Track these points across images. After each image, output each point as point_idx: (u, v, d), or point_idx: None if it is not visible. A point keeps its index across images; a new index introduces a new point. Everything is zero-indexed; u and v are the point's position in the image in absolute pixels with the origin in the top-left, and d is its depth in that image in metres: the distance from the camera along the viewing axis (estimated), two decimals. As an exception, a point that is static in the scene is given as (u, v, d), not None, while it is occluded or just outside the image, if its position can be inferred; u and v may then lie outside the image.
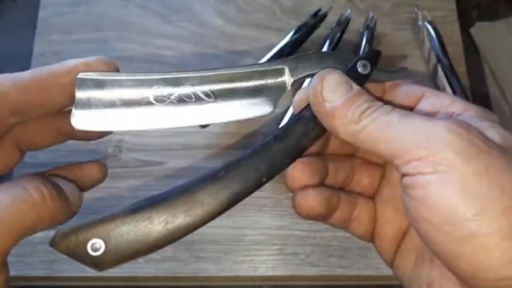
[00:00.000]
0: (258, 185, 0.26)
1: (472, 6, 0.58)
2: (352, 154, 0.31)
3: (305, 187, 0.28)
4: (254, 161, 0.26)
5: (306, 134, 0.26)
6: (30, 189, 0.23)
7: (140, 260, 0.45)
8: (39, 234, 0.47)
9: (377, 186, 0.30)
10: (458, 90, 0.47)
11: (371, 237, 0.30)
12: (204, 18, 0.55)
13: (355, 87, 0.25)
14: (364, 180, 0.30)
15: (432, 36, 0.50)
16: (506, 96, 0.52)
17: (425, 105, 0.26)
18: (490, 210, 0.21)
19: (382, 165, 0.30)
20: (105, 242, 0.25)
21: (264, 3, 0.56)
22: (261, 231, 0.46)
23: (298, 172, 0.28)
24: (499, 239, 0.20)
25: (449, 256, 0.22)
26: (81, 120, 0.25)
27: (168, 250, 0.45)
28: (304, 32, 0.51)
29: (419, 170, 0.22)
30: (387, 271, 0.45)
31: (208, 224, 0.47)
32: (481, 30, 0.56)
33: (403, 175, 0.23)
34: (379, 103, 0.25)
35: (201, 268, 0.45)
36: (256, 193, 0.47)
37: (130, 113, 0.26)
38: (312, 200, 0.28)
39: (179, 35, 0.54)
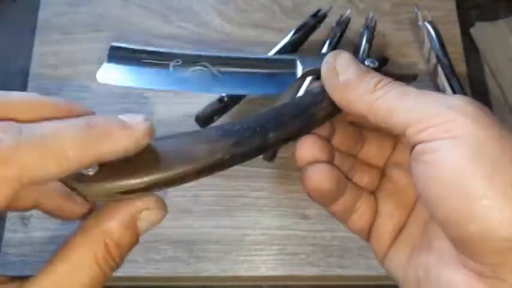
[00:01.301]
0: (264, 139, 0.26)
1: (472, 6, 0.58)
2: (354, 155, 0.31)
3: (315, 161, 0.28)
4: (261, 118, 0.26)
5: (313, 104, 0.27)
6: None
7: (140, 259, 0.45)
8: (39, 234, 0.48)
9: (377, 184, 0.30)
10: (458, 90, 0.47)
11: (368, 232, 0.30)
12: (204, 18, 0.55)
13: (365, 67, 0.26)
14: (364, 178, 0.31)
15: (432, 36, 0.50)
16: (506, 96, 0.52)
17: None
18: (501, 173, 0.21)
19: (382, 168, 0.31)
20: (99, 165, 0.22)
21: (264, 3, 0.56)
22: (261, 231, 0.46)
23: (309, 144, 0.28)
24: (509, 200, 0.21)
25: (460, 217, 0.22)
26: (106, 74, 0.29)
27: (168, 250, 0.45)
28: (304, 32, 0.51)
29: (435, 135, 0.22)
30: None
31: (209, 224, 0.48)
32: (481, 30, 0.56)
33: (417, 143, 0.23)
34: (390, 79, 0.25)
35: (201, 268, 0.45)
36: (256, 193, 0.48)
37: (151, 73, 0.29)
38: (322, 174, 0.28)
39: (179, 35, 0.54)
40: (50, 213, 0.27)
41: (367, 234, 0.30)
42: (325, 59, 0.27)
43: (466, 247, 0.22)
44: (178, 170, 0.24)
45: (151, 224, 0.25)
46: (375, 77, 0.25)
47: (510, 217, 0.21)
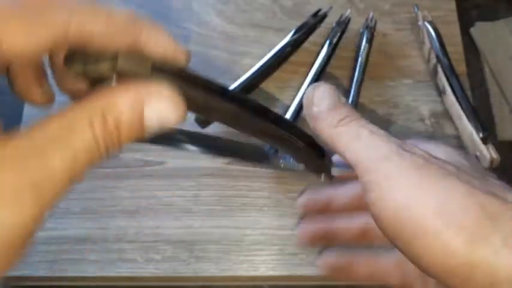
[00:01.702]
0: None
1: (472, 6, 0.58)
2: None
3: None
4: None
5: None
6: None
7: (140, 259, 0.45)
8: (39, 234, 0.48)
9: None
10: (458, 90, 0.47)
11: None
12: (204, 18, 0.55)
13: (343, 99, 0.29)
14: None
15: (432, 36, 0.50)
16: (506, 96, 0.52)
17: None
18: (426, 211, 0.24)
19: None
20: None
21: (264, 3, 0.56)
22: (261, 231, 0.46)
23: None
24: (437, 236, 0.23)
25: (408, 255, 0.25)
26: None
27: (168, 250, 0.45)
28: (304, 32, 0.51)
29: (368, 179, 0.25)
30: (387, 271, 0.45)
31: (209, 224, 0.48)
32: (481, 30, 0.56)
33: (362, 182, 0.26)
34: (358, 115, 0.28)
35: (201, 268, 0.45)
36: (256, 193, 0.48)
37: None
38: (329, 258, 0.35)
39: (179, 35, 0.54)
40: (16, 89, 0.27)
41: None
42: (307, 90, 0.30)
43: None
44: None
45: (159, 118, 0.22)
46: (342, 113, 0.28)
47: (442, 251, 0.23)
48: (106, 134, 0.21)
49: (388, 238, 0.25)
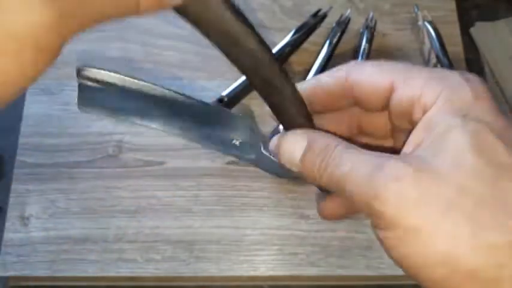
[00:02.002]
0: None
1: (472, 6, 0.58)
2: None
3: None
4: None
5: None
6: None
7: (140, 259, 0.45)
8: (39, 234, 0.48)
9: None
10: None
11: None
12: (204, 18, 0.55)
13: (305, 141, 0.25)
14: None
15: (432, 36, 0.50)
16: (506, 96, 0.52)
17: (398, 103, 0.25)
18: (433, 260, 0.21)
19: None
20: None
21: (264, 3, 0.56)
22: (261, 231, 0.46)
23: (329, 206, 0.29)
24: (445, 284, 0.21)
25: None
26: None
27: (168, 250, 0.45)
28: (304, 32, 0.51)
29: (375, 224, 0.23)
30: (387, 271, 0.45)
31: (209, 224, 0.48)
32: (481, 30, 0.56)
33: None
34: (330, 150, 0.24)
35: (201, 268, 0.45)
36: (256, 193, 0.48)
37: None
38: (329, 209, 0.29)
39: (179, 35, 0.54)
40: None
41: None
42: (276, 148, 0.26)
43: None
44: None
45: None
46: (315, 161, 0.25)
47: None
48: None
49: (418, 280, 0.23)
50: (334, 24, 0.52)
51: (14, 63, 0.19)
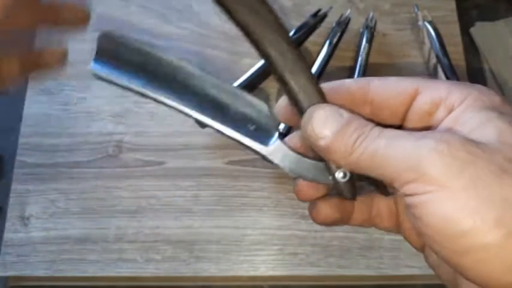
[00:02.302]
0: None
1: (472, 6, 0.58)
2: None
3: (315, 199, 0.28)
4: None
5: None
6: None
7: (140, 259, 0.45)
8: (39, 234, 0.48)
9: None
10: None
11: (398, 229, 0.30)
12: (204, 18, 0.55)
13: (345, 115, 0.25)
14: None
15: (432, 36, 0.50)
16: (506, 96, 0.52)
17: (423, 103, 0.26)
18: (481, 224, 0.21)
19: None
20: None
21: (264, 3, 0.56)
22: (261, 231, 0.46)
23: (304, 186, 0.28)
24: (495, 250, 0.21)
25: (456, 267, 0.22)
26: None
27: (168, 250, 0.45)
28: (304, 32, 0.51)
29: (413, 191, 0.22)
30: (387, 271, 0.45)
31: (209, 224, 0.48)
32: (481, 30, 0.56)
33: (404, 195, 0.23)
34: (369, 127, 0.24)
35: (201, 268, 0.45)
36: (256, 193, 0.48)
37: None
38: (323, 211, 0.28)
39: (179, 35, 0.54)
40: None
41: (399, 231, 0.29)
42: (303, 122, 0.26)
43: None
44: None
45: None
46: (351, 134, 0.24)
47: (500, 267, 0.21)
48: None
49: (433, 249, 0.23)
50: (334, 24, 0.52)
51: None
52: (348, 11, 0.52)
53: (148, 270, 0.45)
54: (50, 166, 0.49)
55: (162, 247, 0.46)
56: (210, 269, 0.45)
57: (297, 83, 0.25)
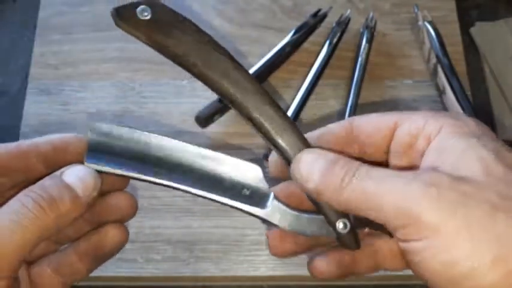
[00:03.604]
0: None
1: (472, 6, 0.58)
2: None
3: (294, 253, 0.29)
4: None
5: None
6: (28, 203, 0.24)
7: (140, 259, 0.45)
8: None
9: None
10: (458, 90, 0.47)
11: (408, 265, 0.30)
12: (204, 18, 0.55)
13: (331, 156, 0.25)
14: None
15: (432, 36, 0.50)
16: (506, 96, 0.52)
17: (402, 136, 0.26)
18: (480, 265, 0.21)
19: None
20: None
21: (264, 3, 0.56)
22: (261, 231, 0.46)
23: (277, 241, 0.29)
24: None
25: None
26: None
27: (168, 250, 0.45)
28: (304, 32, 0.51)
29: (407, 237, 0.22)
30: (387, 271, 0.45)
31: (209, 224, 0.48)
32: (481, 30, 0.56)
33: (398, 240, 0.23)
34: (355, 165, 0.24)
35: (201, 268, 0.45)
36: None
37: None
38: (320, 268, 0.28)
39: (179, 35, 0.54)
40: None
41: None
42: (291, 168, 0.26)
43: None
44: None
45: (85, 188, 0.26)
46: (339, 173, 0.24)
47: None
48: (38, 209, 0.24)
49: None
50: (334, 24, 0.52)
51: None
52: (348, 11, 0.52)
53: (148, 270, 0.45)
54: (50, 166, 0.49)
55: (162, 247, 0.46)
56: (210, 269, 0.45)
57: (284, 140, 0.26)
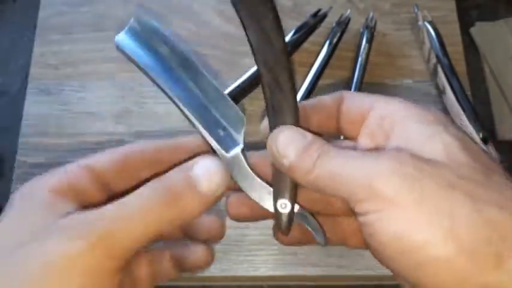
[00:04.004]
0: None
1: (472, 6, 0.58)
2: None
3: (249, 218, 0.31)
4: None
5: None
6: (156, 195, 0.24)
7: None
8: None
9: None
10: (458, 90, 0.47)
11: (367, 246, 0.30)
12: (204, 18, 0.55)
13: (309, 137, 0.26)
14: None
15: (432, 36, 0.50)
16: (506, 96, 0.52)
17: (374, 119, 0.27)
18: (432, 238, 0.21)
19: None
20: None
21: (264, 3, 0.56)
22: (261, 231, 0.46)
23: (236, 203, 0.30)
24: (446, 264, 0.21)
25: (410, 282, 0.23)
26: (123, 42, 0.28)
27: (168, 250, 0.45)
28: (304, 32, 0.51)
29: (365, 209, 0.23)
30: (387, 271, 0.45)
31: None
32: (481, 30, 0.56)
33: (357, 215, 0.24)
34: (327, 147, 0.25)
35: (201, 268, 0.45)
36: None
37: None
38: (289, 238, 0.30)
39: (179, 35, 0.54)
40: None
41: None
42: (268, 143, 0.27)
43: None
44: None
45: (212, 183, 0.25)
46: (312, 154, 0.25)
47: (454, 281, 0.21)
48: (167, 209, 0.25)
49: (387, 265, 0.24)
50: (334, 24, 0.52)
51: None
52: (348, 11, 0.52)
53: (148, 270, 0.45)
54: (50, 166, 0.48)
55: (162, 247, 0.46)
56: (210, 269, 0.45)
57: (278, 99, 0.27)
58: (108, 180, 0.27)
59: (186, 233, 0.30)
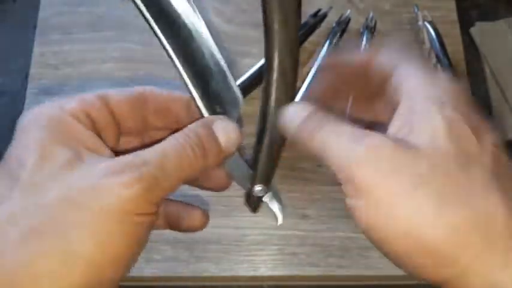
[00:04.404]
0: None
1: (472, 6, 0.58)
2: None
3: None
4: None
5: None
6: (187, 147, 0.25)
7: (140, 259, 0.45)
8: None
9: None
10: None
11: None
12: (204, 18, 0.55)
13: (311, 109, 0.27)
14: None
15: (432, 36, 0.50)
16: (506, 96, 0.52)
17: (390, 86, 0.27)
18: (393, 235, 0.23)
19: None
20: None
21: (264, 3, 0.56)
22: (261, 231, 0.46)
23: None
24: (429, 251, 0.22)
25: (396, 263, 0.25)
26: None
27: (168, 250, 0.45)
28: (304, 32, 0.51)
29: (347, 192, 0.24)
30: (387, 271, 0.45)
31: (209, 224, 0.47)
32: (481, 30, 0.56)
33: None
34: (326, 120, 0.26)
35: (201, 268, 0.45)
36: (256, 193, 0.48)
37: None
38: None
39: (179, 35, 0.54)
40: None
41: None
42: (279, 117, 0.28)
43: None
44: None
45: (229, 143, 0.27)
46: (310, 126, 0.26)
47: (436, 275, 0.23)
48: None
49: (382, 252, 0.25)
50: (334, 24, 0.52)
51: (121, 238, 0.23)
52: (348, 11, 0.52)
53: (148, 270, 0.45)
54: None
55: (162, 247, 0.46)
56: (210, 269, 0.45)
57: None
58: (119, 117, 0.28)
59: (191, 182, 0.31)
